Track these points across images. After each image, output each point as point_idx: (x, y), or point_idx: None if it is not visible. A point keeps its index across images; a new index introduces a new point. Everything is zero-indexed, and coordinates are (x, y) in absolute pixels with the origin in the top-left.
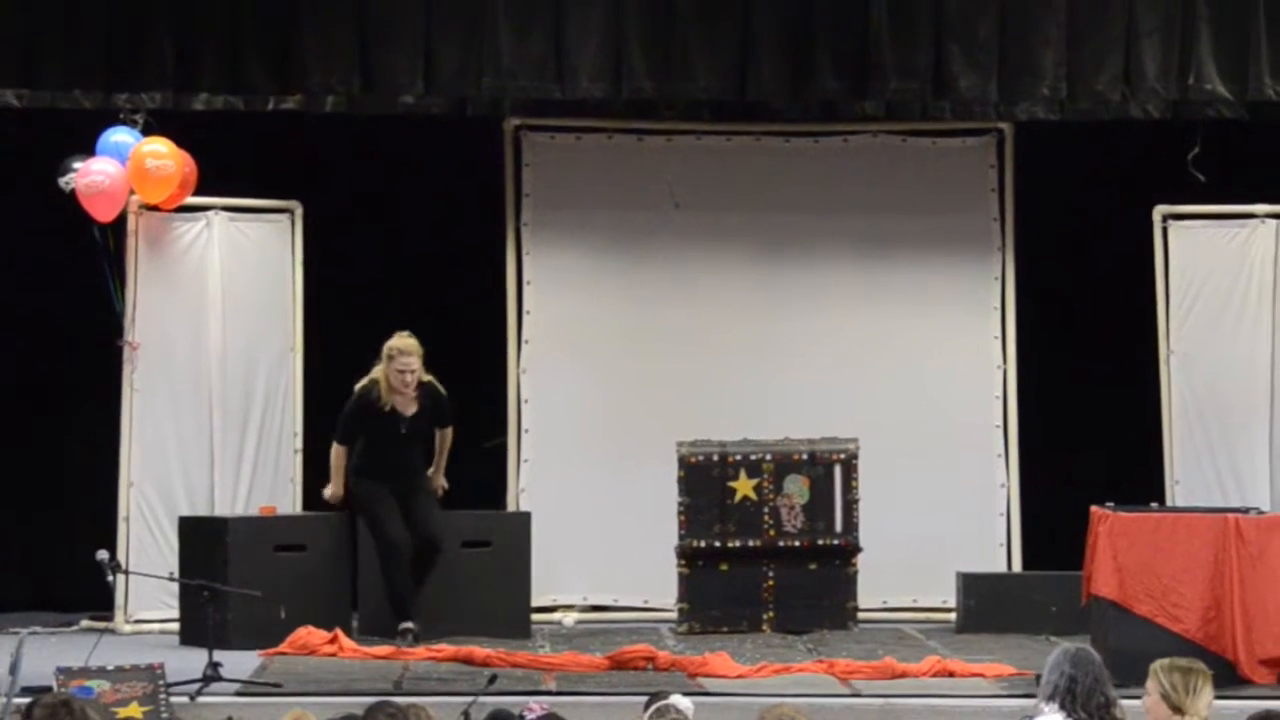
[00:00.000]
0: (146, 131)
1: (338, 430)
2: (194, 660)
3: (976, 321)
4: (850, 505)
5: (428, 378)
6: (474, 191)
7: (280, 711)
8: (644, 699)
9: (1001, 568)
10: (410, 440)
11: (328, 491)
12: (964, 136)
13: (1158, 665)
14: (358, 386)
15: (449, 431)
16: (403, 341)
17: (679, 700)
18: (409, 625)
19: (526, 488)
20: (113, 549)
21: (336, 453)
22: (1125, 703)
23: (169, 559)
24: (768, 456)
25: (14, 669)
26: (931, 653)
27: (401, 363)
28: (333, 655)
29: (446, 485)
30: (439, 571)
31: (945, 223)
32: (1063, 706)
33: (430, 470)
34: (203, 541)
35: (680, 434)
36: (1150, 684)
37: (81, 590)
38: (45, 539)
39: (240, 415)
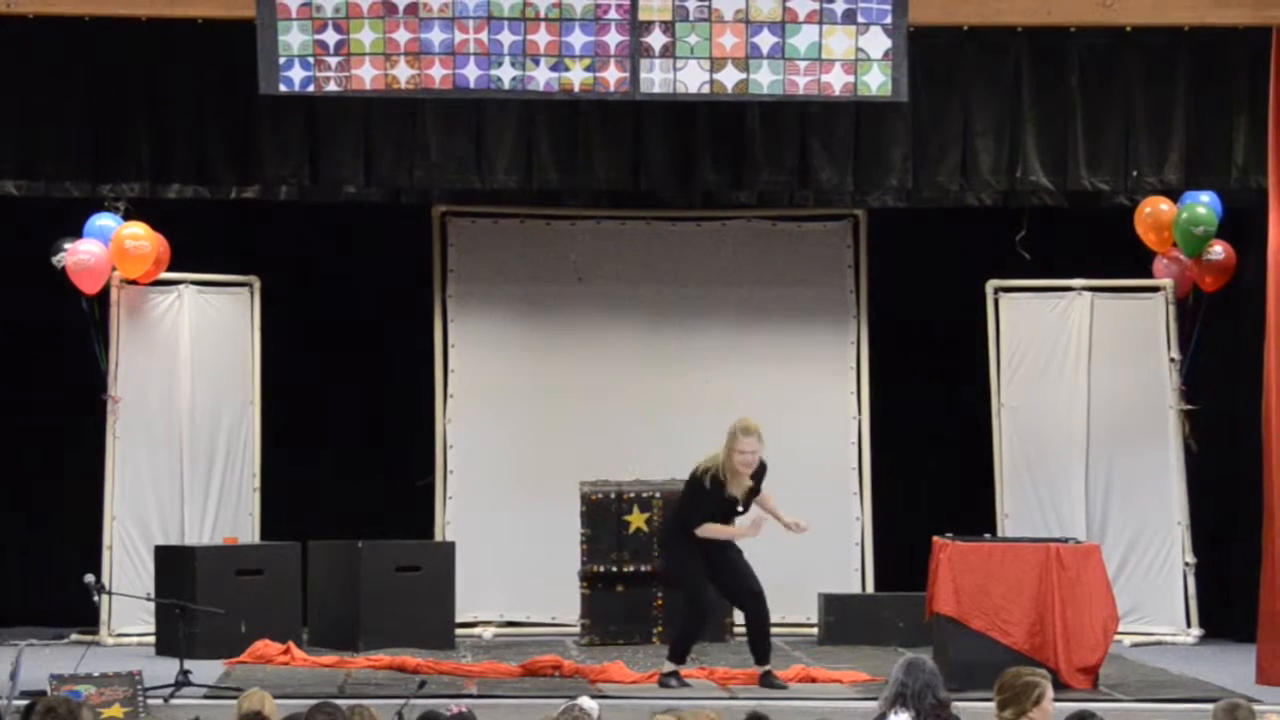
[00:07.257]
0: (127, 217)
1: (689, 516)
2: (167, 668)
3: (835, 379)
4: None
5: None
6: (406, 267)
7: None
8: (552, 701)
9: (857, 589)
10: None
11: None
12: (824, 221)
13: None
14: (698, 471)
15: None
16: (748, 424)
17: (585, 701)
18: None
19: (452, 520)
20: (98, 573)
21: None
22: (964, 705)
23: (146, 582)
24: (657, 494)
25: (14, 675)
26: (797, 662)
27: (745, 444)
28: (286, 664)
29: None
30: (378, 592)
31: (808, 294)
32: (902, 708)
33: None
34: (175, 567)
35: (582, 475)
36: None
37: (71, 608)
38: (41, 564)
39: (206, 459)
